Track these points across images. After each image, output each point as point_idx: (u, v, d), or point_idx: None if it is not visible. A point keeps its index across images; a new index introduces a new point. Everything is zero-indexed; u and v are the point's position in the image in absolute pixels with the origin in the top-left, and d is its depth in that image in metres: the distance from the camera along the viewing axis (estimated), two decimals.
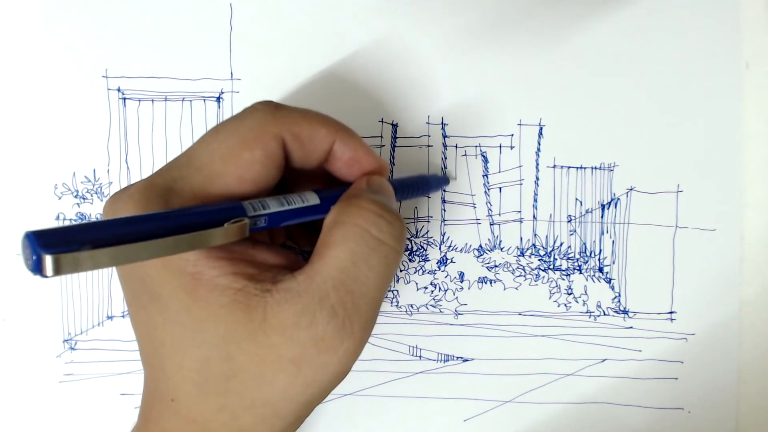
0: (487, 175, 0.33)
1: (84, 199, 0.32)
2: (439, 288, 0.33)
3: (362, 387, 0.33)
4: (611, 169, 0.33)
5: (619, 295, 0.33)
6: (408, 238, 0.33)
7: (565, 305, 0.33)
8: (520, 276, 0.33)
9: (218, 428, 0.22)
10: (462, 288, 0.33)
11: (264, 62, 0.32)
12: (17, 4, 0.32)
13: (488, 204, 0.33)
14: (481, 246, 0.33)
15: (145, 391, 0.24)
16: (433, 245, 0.33)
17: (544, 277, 0.33)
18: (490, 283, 0.33)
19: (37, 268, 0.16)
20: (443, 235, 0.33)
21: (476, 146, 0.33)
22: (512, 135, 0.33)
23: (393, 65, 0.32)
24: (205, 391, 0.22)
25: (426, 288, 0.33)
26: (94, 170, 0.32)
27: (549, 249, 0.33)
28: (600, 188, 0.33)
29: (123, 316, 0.32)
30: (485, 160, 0.33)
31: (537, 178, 0.33)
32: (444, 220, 0.33)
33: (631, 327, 0.33)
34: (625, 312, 0.33)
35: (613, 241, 0.33)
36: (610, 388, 0.33)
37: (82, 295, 0.32)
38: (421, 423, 0.33)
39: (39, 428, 0.32)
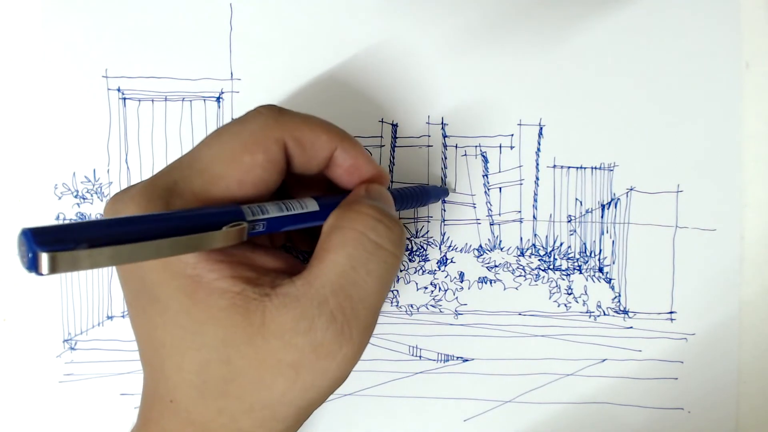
0: (487, 175, 0.33)
1: (84, 199, 0.32)
2: (439, 288, 0.33)
3: (362, 387, 0.33)
4: (611, 169, 0.33)
5: (619, 295, 0.33)
6: (408, 238, 0.33)
7: (565, 305, 0.33)
8: (520, 276, 0.33)
9: (217, 430, 0.22)
10: (462, 288, 0.33)
11: (264, 62, 0.32)
12: (17, 4, 0.32)
13: (488, 204, 0.33)
14: (481, 246, 0.33)
15: (144, 392, 0.24)
16: (433, 245, 0.33)
17: (544, 277, 0.33)
18: (490, 283, 0.33)
19: (33, 266, 0.16)
20: (443, 235, 0.33)
21: (476, 146, 0.33)
22: (512, 135, 0.33)
23: (393, 65, 0.32)
24: (204, 394, 0.22)
25: (426, 288, 0.33)
26: (94, 170, 0.32)
27: (549, 249, 0.33)
28: (600, 188, 0.33)
29: (123, 316, 0.32)
30: (485, 160, 0.33)
31: (537, 178, 0.33)
32: (444, 220, 0.33)
33: (631, 327, 0.33)
34: (625, 312, 0.33)
35: (613, 241, 0.33)
36: (610, 388, 0.33)
37: (82, 295, 0.32)
38: (421, 423, 0.33)
39: (39, 428, 0.32)
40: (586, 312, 0.33)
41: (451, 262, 0.33)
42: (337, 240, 0.22)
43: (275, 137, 0.23)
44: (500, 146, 0.33)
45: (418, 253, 0.33)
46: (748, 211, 0.33)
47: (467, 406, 0.33)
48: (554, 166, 0.33)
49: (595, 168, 0.33)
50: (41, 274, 0.16)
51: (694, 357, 0.33)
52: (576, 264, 0.33)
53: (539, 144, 0.33)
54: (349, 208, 0.23)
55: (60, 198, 0.32)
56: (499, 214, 0.33)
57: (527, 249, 0.33)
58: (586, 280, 0.33)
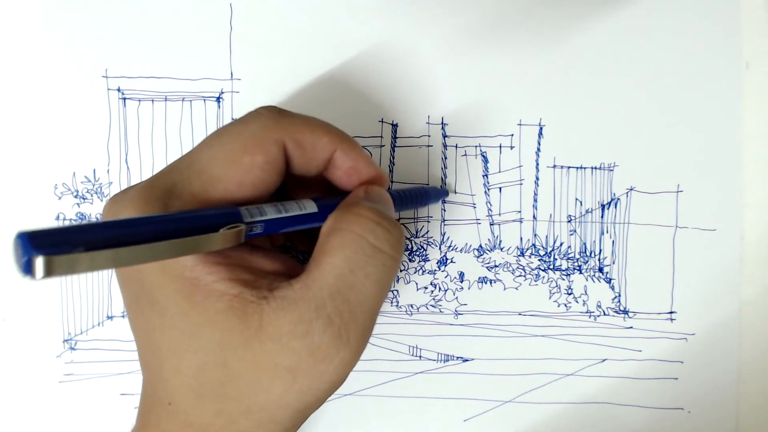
0: (487, 175, 0.33)
1: (84, 199, 0.32)
2: (439, 288, 0.33)
3: (362, 387, 0.33)
4: (611, 169, 0.33)
5: (619, 295, 0.33)
6: (408, 238, 0.33)
7: (565, 305, 0.33)
8: (520, 276, 0.33)
9: None
10: (462, 288, 0.33)
11: (264, 62, 0.32)
12: (17, 4, 0.32)
13: (488, 204, 0.33)
14: (481, 246, 0.33)
15: (143, 394, 0.24)
16: (433, 245, 0.33)
17: (544, 277, 0.33)
18: (490, 283, 0.33)
19: (28, 270, 0.15)
20: (443, 235, 0.33)
21: (476, 146, 0.33)
22: (512, 135, 0.33)
23: (393, 65, 0.32)
24: (202, 396, 0.22)
25: (426, 288, 0.33)
26: (94, 170, 0.32)
27: (549, 249, 0.33)
28: (600, 188, 0.33)
29: (123, 316, 0.32)
30: (485, 160, 0.33)
31: (537, 178, 0.33)
32: (444, 220, 0.33)
33: (631, 327, 0.33)
34: (625, 312, 0.33)
35: (613, 241, 0.33)
36: (610, 388, 0.33)
37: (82, 295, 0.32)
38: (421, 423, 0.33)
39: (39, 428, 0.32)
40: (586, 312, 0.33)
41: (451, 262, 0.33)
42: (336, 243, 0.22)
43: (275, 138, 0.23)
44: (500, 146, 0.33)
45: (418, 253, 0.33)
46: (748, 211, 0.33)
47: (467, 406, 0.33)
48: (554, 166, 0.33)
49: (595, 168, 0.33)
50: (35, 278, 0.15)
51: (694, 357, 0.33)
52: (576, 264, 0.33)
53: (539, 144, 0.33)
54: (347, 210, 0.23)
55: (60, 198, 0.32)
56: (499, 214, 0.33)
57: (527, 249, 0.33)
58: (586, 280, 0.33)
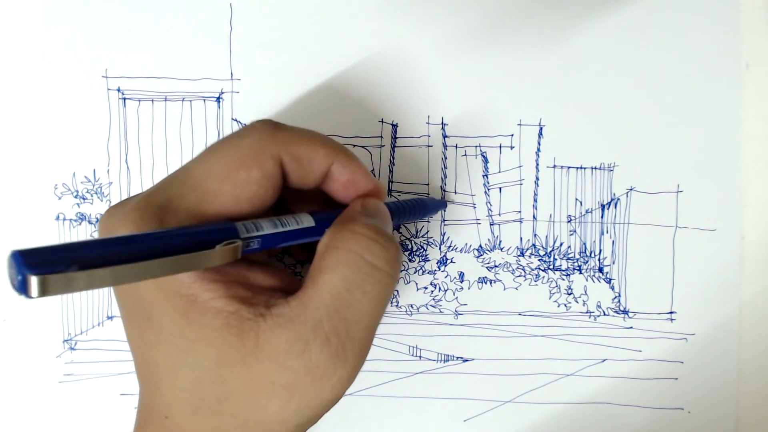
0: (487, 175, 0.33)
1: (84, 199, 0.32)
2: (439, 288, 0.33)
3: (362, 387, 0.33)
4: (611, 169, 0.33)
5: (619, 295, 0.33)
6: (408, 238, 0.33)
7: (565, 305, 0.33)
8: (520, 276, 0.33)
9: None
10: (462, 288, 0.33)
11: (264, 62, 0.32)
12: (18, 4, 0.32)
13: (488, 204, 0.33)
14: (481, 246, 0.33)
15: (140, 406, 0.24)
16: (433, 245, 0.33)
17: (544, 277, 0.33)
18: (490, 283, 0.33)
19: (23, 289, 0.15)
20: (443, 235, 0.33)
21: (476, 146, 0.33)
22: (512, 135, 0.33)
23: (393, 65, 0.32)
24: (198, 411, 0.22)
25: (426, 288, 0.33)
26: (94, 170, 0.32)
27: (549, 249, 0.33)
28: (600, 188, 0.33)
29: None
30: (485, 160, 0.33)
31: (537, 178, 0.33)
32: (444, 220, 0.33)
33: (631, 327, 0.33)
34: (625, 312, 0.33)
35: (613, 241, 0.33)
36: (610, 388, 0.33)
37: (82, 295, 0.32)
38: (421, 423, 0.33)
39: (39, 428, 0.32)
40: (586, 312, 0.33)
41: (451, 262, 0.33)
42: (332, 260, 0.22)
43: (271, 153, 0.23)
44: (500, 146, 0.33)
45: (418, 253, 0.33)
46: (748, 211, 0.33)
47: (467, 406, 0.33)
48: (554, 166, 0.33)
49: (595, 168, 0.33)
50: (31, 297, 0.15)
51: (694, 357, 0.33)
52: (576, 264, 0.33)
53: (539, 144, 0.33)
54: (343, 227, 0.23)
55: (60, 198, 0.32)
56: (499, 214, 0.33)
57: (527, 249, 0.33)
58: (586, 280, 0.33)
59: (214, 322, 0.21)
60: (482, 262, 0.33)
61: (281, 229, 0.23)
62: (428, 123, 0.33)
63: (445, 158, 0.33)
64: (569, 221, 0.33)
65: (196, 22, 0.32)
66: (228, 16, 0.32)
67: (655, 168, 0.33)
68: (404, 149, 0.33)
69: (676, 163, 0.33)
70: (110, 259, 0.17)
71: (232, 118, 0.32)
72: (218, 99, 0.32)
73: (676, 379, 0.33)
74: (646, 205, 0.33)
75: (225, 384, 0.21)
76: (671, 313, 0.33)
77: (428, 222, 0.33)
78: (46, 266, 0.16)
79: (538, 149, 0.33)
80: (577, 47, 0.32)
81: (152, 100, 0.32)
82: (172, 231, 0.20)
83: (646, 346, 0.33)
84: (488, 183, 0.33)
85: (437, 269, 0.33)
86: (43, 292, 0.15)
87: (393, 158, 0.33)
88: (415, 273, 0.33)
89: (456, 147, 0.33)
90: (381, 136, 0.33)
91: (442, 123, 0.33)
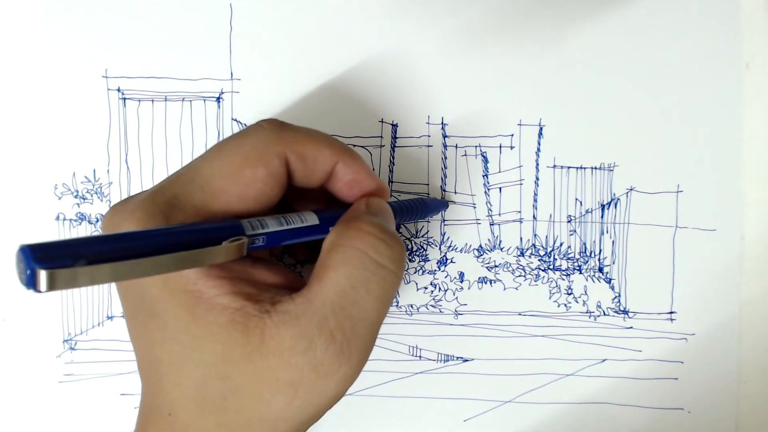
0: (487, 175, 0.33)
1: (84, 199, 0.32)
2: (439, 288, 0.33)
3: (362, 387, 0.33)
4: (611, 169, 0.33)
5: (619, 295, 0.33)
6: (408, 238, 0.33)
7: (565, 305, 0.33)
8: (520, 276, 0.33)
9: None
10: (462, 288, 0.33)
11: (264, 62, 0.32)
12: (17, 4, 0.32)
13: (488, 204, 0.33)
14: (481, 246, 0.33)
15: (142, 403, 0.24)
16: (433, 245, 0.33)
17: (544, 277, 0.33)
18: (490, 283, 0.33)
19: (32, 283, 0.15)
20: (443, 235, 0.33)
21: (476, 146, 0.33)
22: (512, 135, 0.33)
23: (393, 65, 0.32)
24: (203, 408, 0.22)
25: (426, 288, 0.33)
26: (94, 170, 0.32)
27: (549, 249, 0.33)
28: (600, 188, 0.33)
29: (123, 316, 0.32)
30: (485, 160, 0.33)
31: (537, 178, 0.33)
32: (444, 220, 0.33)
33: (631, 327, 0.33)
34: (625, 312, 0.33)
35: (613, 241, 0.33)
36: (610, 388, 0.33)
37: (82, 295, 0.32)
38: (421, 423, 0.33)
39: (39, 428, 0.32)
40: (586, 312, 0.33)
41: (451, 262, 0.33)
42: (338, 258, 0.22)
43: (276, 152, 0.23)
44: (500, 146, 0.33)
45: (418, 253, 0.33)
46: (748, 211, 0.33)
47: (467, 406, 0.33)
48: (554, 166, 0.33)
49: (595, 168, 0.33)
50: (39, 291, 0.15)
51: (694, 357, 0.33)
52: (576, 264, 0.33)
53: (539, 144, 0.33)
54: (349, 225, 0.23)
55: (60, 198, 0.32)
56: (499, 214, 0.33)
57: (527, 249, 0.33)
58: (586, 280, 0.33)
59: (220, 319, 0.21)
60: (482, 262, 0.33)
61: (286, 227, 0.23)
62: (428, 123, 0.33)
63: (445, 158, 0.33)
64: (569, 221, 0.33)
65: (196, 22, 0.32)
66: (228, 16, 0.32)
67: (655, 168, 0.33)
68: (404, 149, 0.33)
69: (676, 163, 0.33)
70: (117, 254, 0.17)
71: (232, 118, 0.32)
72: (218, 99, 0.32)
73: (676, 379, 0.33)
74: (646, 205, 0.33)
75: (230, 380, 0.21)
76: (671, 313, 0.33)
77: (428, 222, 0.33)
78: (55, 261, 0.16)
79: (538, 149, 0.33)
80: (577, 47, 0.32)
81: (152, 100, 0.32)
82: (179, 227, 0.20)
83: (646, 346, 0.33)
84: (488, 183, 0.33)
85: (437, 269, 0.33)
86: (52, 286, 0.15)
87: (393, 158, 0.33)
88: (415, 273, 0.33)
89: (456, 147, 0.33)
90: (381, 136, 0.33)
91: (442, 123, 0.33)
